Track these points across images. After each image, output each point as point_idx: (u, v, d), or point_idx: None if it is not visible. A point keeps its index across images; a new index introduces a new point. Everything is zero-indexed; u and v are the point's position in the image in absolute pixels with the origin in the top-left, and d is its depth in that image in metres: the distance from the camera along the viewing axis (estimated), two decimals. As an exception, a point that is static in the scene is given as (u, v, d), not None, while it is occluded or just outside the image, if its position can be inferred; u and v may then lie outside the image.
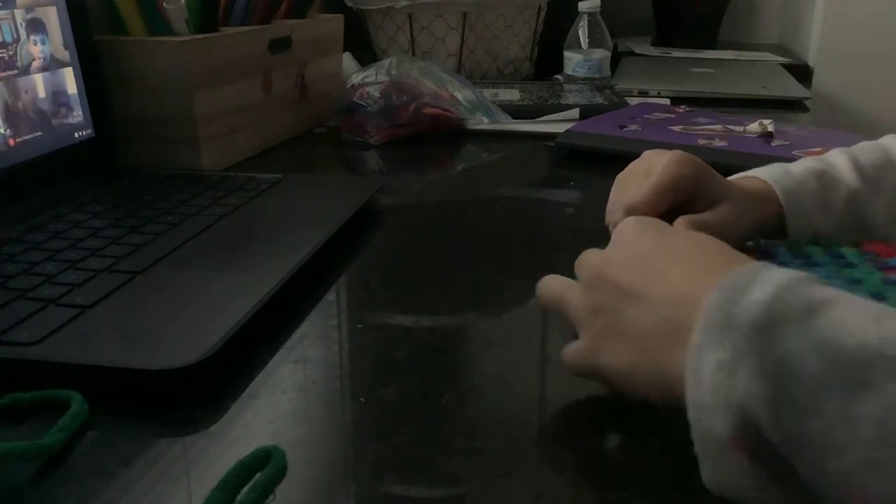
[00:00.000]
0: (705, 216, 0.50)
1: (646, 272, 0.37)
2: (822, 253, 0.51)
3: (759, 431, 0.29)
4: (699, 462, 0.31)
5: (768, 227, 0.53)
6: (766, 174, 0.54)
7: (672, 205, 0.51)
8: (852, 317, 0.29)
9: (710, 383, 0.30)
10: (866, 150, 0.56)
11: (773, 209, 0.53)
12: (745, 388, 0.29)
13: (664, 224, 0.41)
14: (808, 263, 0.50)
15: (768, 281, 0.31)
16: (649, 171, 0.52)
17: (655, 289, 0.36)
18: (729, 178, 0.54)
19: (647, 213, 0.48)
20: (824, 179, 0.54)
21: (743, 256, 0.36)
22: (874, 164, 0.55)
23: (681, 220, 0.49)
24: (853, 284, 0.46)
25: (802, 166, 0.55)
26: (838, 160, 0.55)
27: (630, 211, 0.49)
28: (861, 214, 0.54)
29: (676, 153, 0.51)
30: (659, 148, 0.55)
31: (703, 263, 0.36)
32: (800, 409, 0.28)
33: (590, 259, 0.40)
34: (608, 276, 0.38)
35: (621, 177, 0.56)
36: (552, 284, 0.42)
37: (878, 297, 0.44)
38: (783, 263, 0.49)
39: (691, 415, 0.31)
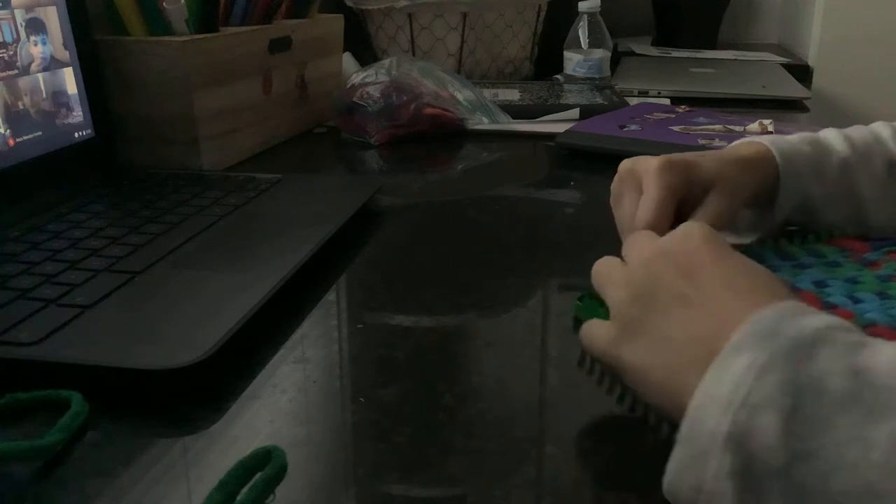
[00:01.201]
0: (710, 215, 0.50)
1: (701, 282, 0.36)
2: (805, 254, 0.51)
3: (756, 444, 0.29)
4: (671, 457, 0.31)
5: (764, 192, 0.54)
6: (766, 138, 0.57)
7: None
8: (891, 351, 0.29)
9: (734, 378, 0.30)
10: (857, 129, 0.59)
11: (769, 171, 0.54)
12: (768, 392, 0.29)
13: (726, 242, 0.39)
14: (797, 265, 0.49)
15: (823, 318, 0.31)
16: (635, 183, 0.52)
17: (707, 301, 0.35)
18: (730, 147, 0.56)
19: (660, 232, 0.48)
20: (817, 146, 0.57)
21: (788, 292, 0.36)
22: (865, 139, 0.57)
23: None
24: (853, 285, 0.46)
25: (796, 135, 0.58)
26: (830, 133, 0.58)
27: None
28: (851, 185, 0.56)
29: (657, 161, 0.50)
30: (659, 148, 0.55)
31: (757, 295, 0.35)
32: (814, 422, 0.28)
33: (643, 246, 0.39)
34: (661, 273, 0.37)
35: (613, 191, 0.55)
36: (602, 262, 0.42)
37: (883, 295, 0.44)
38: (771, 267, 0.49)
39: (694, 403, 0.31)
